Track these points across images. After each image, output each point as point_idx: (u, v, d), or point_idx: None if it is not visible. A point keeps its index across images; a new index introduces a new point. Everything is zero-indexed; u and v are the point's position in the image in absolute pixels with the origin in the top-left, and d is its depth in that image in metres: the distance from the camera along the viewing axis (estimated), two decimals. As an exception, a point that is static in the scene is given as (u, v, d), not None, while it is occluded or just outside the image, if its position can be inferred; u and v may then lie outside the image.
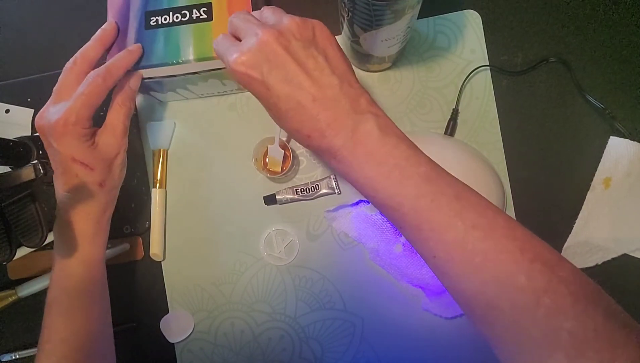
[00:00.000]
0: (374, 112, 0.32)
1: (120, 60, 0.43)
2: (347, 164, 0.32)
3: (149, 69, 0.45)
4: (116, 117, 0.44)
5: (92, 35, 0.48)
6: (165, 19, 0.45)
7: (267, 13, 0.35)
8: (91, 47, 0.43)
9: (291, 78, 0.31)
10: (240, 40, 0.34)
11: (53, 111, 0.40)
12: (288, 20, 0.32)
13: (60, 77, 0.42)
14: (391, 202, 0.31)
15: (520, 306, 0.26)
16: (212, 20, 0.44)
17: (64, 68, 0.42)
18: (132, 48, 0.44)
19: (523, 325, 0.26)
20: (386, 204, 0.31)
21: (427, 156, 0.32)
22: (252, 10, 0.44)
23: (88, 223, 0.43)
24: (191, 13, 0.45)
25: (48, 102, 0.42)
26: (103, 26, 0.45)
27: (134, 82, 0.45)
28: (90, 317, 0.42)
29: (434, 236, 0.29)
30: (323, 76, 0.31)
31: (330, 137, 0.31)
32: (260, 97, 0.33)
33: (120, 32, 0.45)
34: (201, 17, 0.45)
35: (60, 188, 0.42)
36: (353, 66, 0.51)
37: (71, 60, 0.43)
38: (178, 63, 0.44)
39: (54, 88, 0.42)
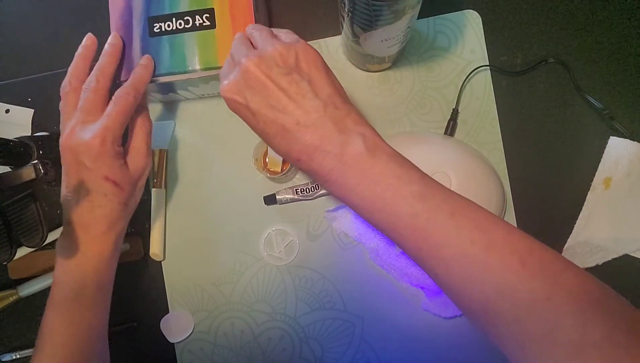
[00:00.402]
0: (361, 132, 0.32)
1: (141, 76, 0.43)
2: (339, 186, 0.32)
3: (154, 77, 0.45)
4: (140, 138, 0.44)
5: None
6: (168, 26, 0.45)
7: (256, 37, 0.36)
8: (107, 63, 0.43)
9: (274, 103, 0.32)
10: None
11: (86, 130, 0.40)
12: (271, 48, 0.33)
13: (84, 97, 0.41)
14: (387, 223, 0.31)
15: (523, 317, 0.27)
16: (215, 28, 0.44)
17: (86, 88, 0.42)
18: (146, 62, 0.44)
19: (526, 335, 0.26)
20: (383, 225, 0.31)
21: (420, 172, 0.31)
22: (254, 16, 0.44)
23: (109, 243, 0.43)
24: (194, 20, 0.44)
25: (75, 122, 0.41)
26: (110, 41, 0.44)
27: (144, 101, 0.46)
28: (94, 321, 0.42)
29: (433, 254, 0.29)
30: (306, 100, 0.32)
31: (318, 160, 0.31)
32: (249, 123, 0.34)
33: (126, 40, 0.45)
34: (204, 24, 0.44)
35: (78, 201, 0.41)
36: (353, 66, 0.52)
37: (92, 80, 0.42)
38: (185, 72, 0.45)
39: (80, 107, 0.41)
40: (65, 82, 0.43)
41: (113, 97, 0.42)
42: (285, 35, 0.37)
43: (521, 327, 0.27)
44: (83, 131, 0.40)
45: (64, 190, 0.42)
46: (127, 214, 0.44)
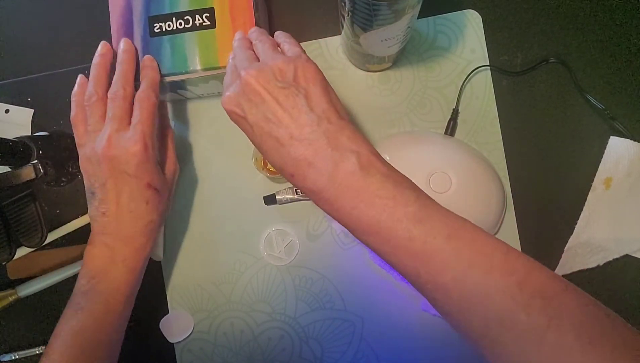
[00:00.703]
0: (354, 149, 0.31)
1: (153, 76, 0.43)
2: (333, 208, 0.31)
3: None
4: (167, 144, 0.46)
5: (92, 35, 0.47)
6: (168, 26, 0.45)
7: (259, 48, 0.37)
8: (128, 70, 0.43)
9: (270, 116, 0.32)
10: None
11: (124, 138, 0.39)
12: (271, 62, 0.34)
13: (115, 106, 0.40)
14: (384, 246, 0.30)
15: (525, 343, 0.26)
16: (215, 27, 0.44)
17: (115, 97, 0.41)
18: (150, 63, 0.44)
19: (530, 361, 0.26)
20: (379, 248, 0.30)
21: (416, 191, 0.31)
22: (254, 15, 0.44)
23: (144, 254, 0.43)
24: (194, 19, 0.44)
25: (110, 132, 0.39)
26: (124, 48, 0.44)
27: (163, 107, 0.47)
28: (119, 336, 0.43)
29: (431, 279, 0.29)
30: (301, 114, 0.32)
31: (311, 178, 0.31)
32: (248, 135, 0.35)
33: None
34: (204, 23, 0.44)
35: (118, 213, 0.40)
36: (353, 66, 0.51)
37: (119, 88, 0.41)
38: (186, 72, 0.45)
39: (112, 116, 0.40)
40: (90, 92, 0.42)
41: (136, 103, 0.41)
42: (289, 47, 0.37)
43: (522, 353, 0.26)
44: (121, 139, 0.39)
45: (98, 204, 0.41)
46: (161, 225, 0.45)
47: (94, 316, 0.40)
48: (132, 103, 0.42)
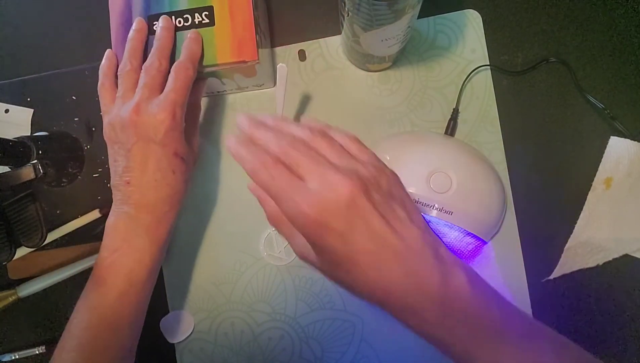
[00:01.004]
0: (459, 263, 0.30)
1: (195, 50, 0.42)
2: (433, 323, 0.29)
3: None
4: (193, 120, 0.45)
5: (92, 35, 0.47)
6: None
7: (325, 147, 0.31)
8: (166, 46, 0.42)
9: (375, 232, 0.28)
10: (291, 169, 0.30)
11: (153, 104, 0.39)
12: (365, 171, 0.30)
13: (149, 76, 0.40)
14: (487, 355, 0.29)
15: None
16: (214, 25, 0.44)
17: (149, 68, 0.40)
18: (195, 36, 0.43)
19: None
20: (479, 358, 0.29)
21: (517, 308, 0.30)
22: (253, 14, 0.44)
23: (168, 225, 0.41)
24: (193, 17, 0.45)
25: (139, 98, 0.39)
26: (164, 25, 0.43)
27: (202, 88, 0.47)
28: (140, 297, 0.41)
29: None
30: (404, 228, 0.29)
31: (414, 294, 0.29)
32: (330, 249, 0.29)
33: (124, 38, 0.45)
34: (203, 21, 0.44)
35: (143, 180, 0.39)
36: (353, 66, 0.51)
37: (154, 60, 0.41)
38: None
39: (144, 84, 0.40)
40: (125, 62, 0.42)
41: (172, 72, 0.41)
42: (357, 148, 0.32)
43: None
44: (150, 106, 0.39)
45: (122, 171, 0.40)
46: (183, 200, 0.43)
47: (115, 291, 0.38)
48: (165, 78, 0.41)
